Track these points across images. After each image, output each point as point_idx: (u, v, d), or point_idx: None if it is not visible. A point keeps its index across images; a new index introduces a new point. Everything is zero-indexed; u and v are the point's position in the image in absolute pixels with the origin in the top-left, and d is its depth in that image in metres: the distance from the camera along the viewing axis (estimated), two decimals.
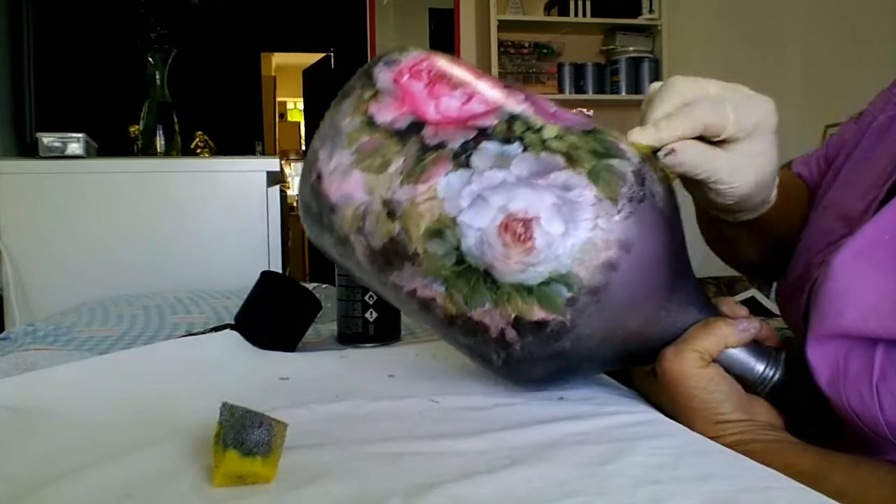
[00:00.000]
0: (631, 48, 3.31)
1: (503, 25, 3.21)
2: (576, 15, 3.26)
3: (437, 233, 0.45)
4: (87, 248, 1.59)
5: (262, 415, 0.37)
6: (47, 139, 1.65)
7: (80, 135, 1.66)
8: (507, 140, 0.45)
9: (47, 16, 2.46)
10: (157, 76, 1.77)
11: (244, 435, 0.36)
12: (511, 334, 0.45)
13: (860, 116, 0.62)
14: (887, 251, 0.45)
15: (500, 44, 3.24)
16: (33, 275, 1.57)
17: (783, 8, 3.45)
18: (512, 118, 0.46)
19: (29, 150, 2.03)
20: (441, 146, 0.46)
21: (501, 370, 0.48)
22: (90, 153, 1.72)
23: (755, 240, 0.63)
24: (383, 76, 0.49)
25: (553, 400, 0.50)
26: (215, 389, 0.54)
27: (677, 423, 0.46)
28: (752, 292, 2.24)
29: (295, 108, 6.99)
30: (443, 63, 0.50)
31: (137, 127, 1.81)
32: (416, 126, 0.47)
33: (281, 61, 6.05)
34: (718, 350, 0.47)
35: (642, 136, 0.46)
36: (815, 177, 0.67)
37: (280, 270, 1.74)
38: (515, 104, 0.47)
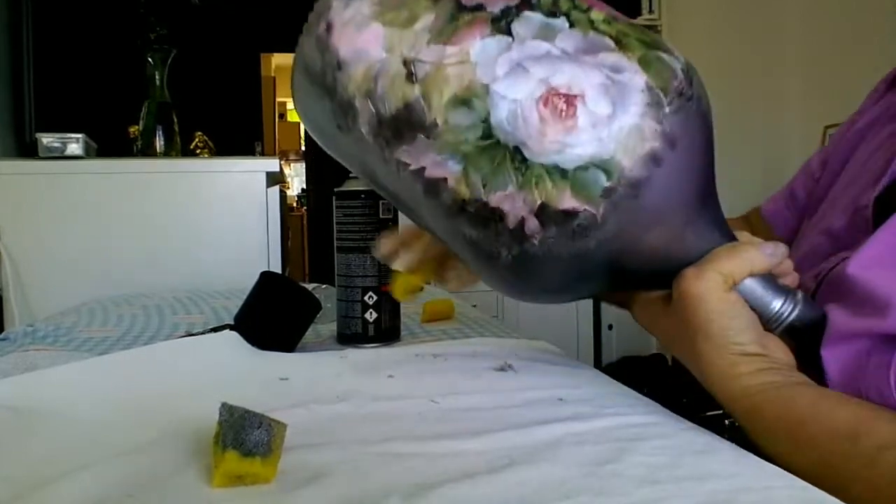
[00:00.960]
0: None
1: None
2: None
3: (464, 101, 0.40)
4: (87, 249, 1.59)
5: (262, 415, 0.37)
6: (47, 139, 1.65)
7: (79, 135, 1.66)
8: (553, 14, 0.41)
9: (47, 16, 2.46)
10: (157, 76, 1.77)
11: (243, 435, 0.36)
12: (532, 224, 0.41)
13: (844, 128, 0.64)
14: None
15: None
16: (33, 275, 1.57)
17: (783, 8, 3.45)
18: None
19: (28, 150, 2.03)
20: (479, 8, 0.41)
21: (507, 270, 0.44)
22: (90, 153, 1.72)
23: None
24: None
25: (553, 400, 0.50)
26: (215, 389, 0.54)
27: (678, 423, 0.46)
28: None
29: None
30: None
31: (137, 127, 1.81)
32: None
33: (281, 61, 6.04)
34: (743, 274, 0.44)
35: None
36: (782, 214, 0.68)
37: (280, 270, 1.74)
38: None
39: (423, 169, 0.42)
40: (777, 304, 0.46)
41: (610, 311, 2.83)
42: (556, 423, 0.44)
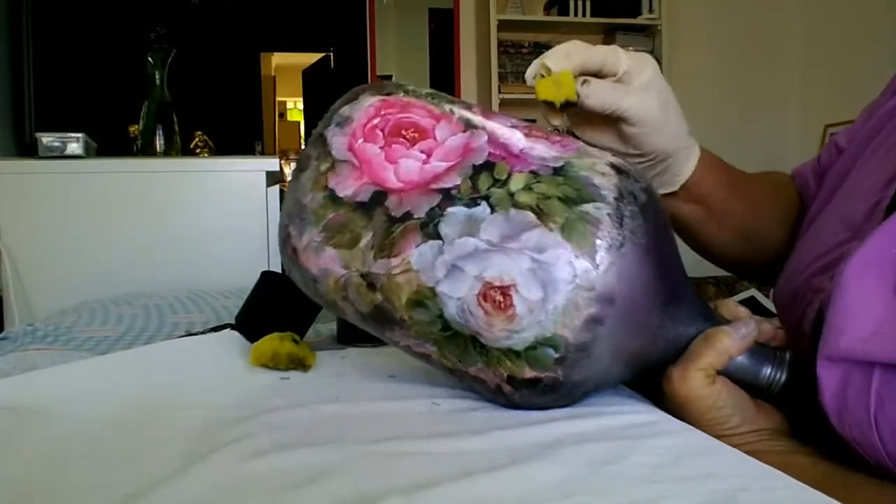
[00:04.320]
0: (631, 48, 3.30)
1: (503, 25, 3.21)
2: (576, 15, 3.26)
3: (418, 303, 0.44)
4: (87, 248, 1.59)
5: None
6: (47, 139, 1.65)
7: (79, 135, 1.66)
8: (474, 202, 0.43)
9: (47, 16, 2.46)
10: (157, 76, 1.77)
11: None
12: (507, 388, 0.45)
13: (871, 107, 0.61)
14: (892, 266, 0.43)
15: (500, 43, 3.24)
16: (33, 275, 1.57)
17: (783, 8, 3.45)
18: (476, 172, 0.44)
19: (28, 149, 2.03)
20: (407, 217, 0.44)
21: (513, 407, 0.48)
22: (89, 153, 1.72)
23: (723, 230, 0.63)
24: (337, 142, 0.47)
25: None
26: (215, 389, 0.54)
27: (678, 423, 0.46)
28: (752, 292, 2.24)
29: (295, 107, 6.99)
30: (397, 111, 0.47)
31: (137, 127, 1.81)
32: (380, 196, 0.45)
33: (280, 61, 6.05)
34: (722, 363, 0.47)
35: (553, 63, 0.51)
36: (807, 181, 0.66)
37: (280, 270, 1.74)
38: (478, 152, 0.45)
39: (409, 346, 0.48)
40: (767, 371, 0.48)
41: None
42: (557, 422, 0.45)
